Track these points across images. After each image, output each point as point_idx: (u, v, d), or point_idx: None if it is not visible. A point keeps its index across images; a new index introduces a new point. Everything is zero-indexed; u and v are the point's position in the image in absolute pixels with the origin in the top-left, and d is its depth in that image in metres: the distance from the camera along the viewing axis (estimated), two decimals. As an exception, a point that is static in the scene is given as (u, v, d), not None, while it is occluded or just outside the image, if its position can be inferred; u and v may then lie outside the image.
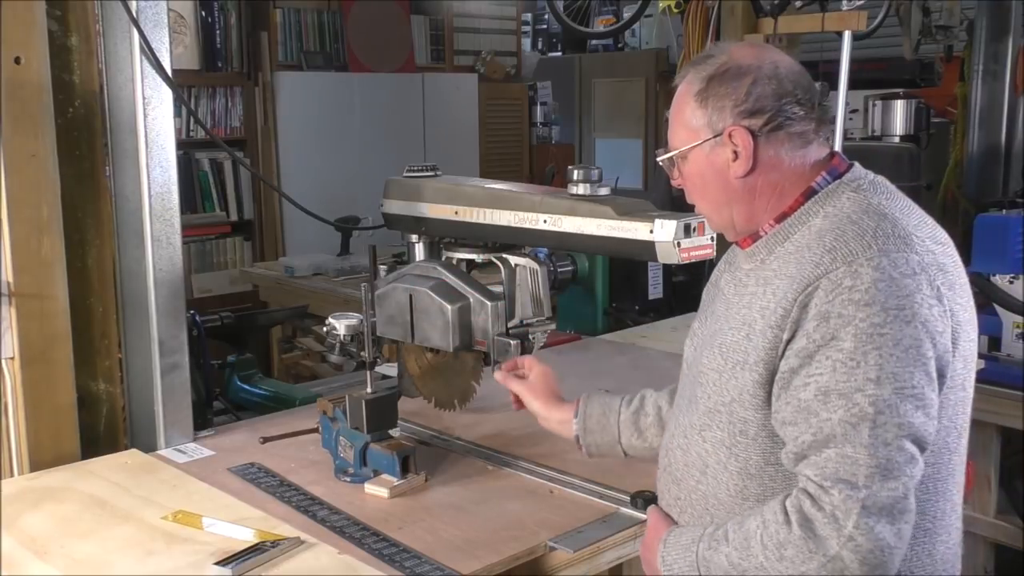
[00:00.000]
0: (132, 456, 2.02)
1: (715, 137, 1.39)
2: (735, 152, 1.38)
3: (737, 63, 1.38)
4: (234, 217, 5.68)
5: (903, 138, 5.64)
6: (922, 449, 1.25)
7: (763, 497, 1.36)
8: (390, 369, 2.40)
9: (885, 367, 1.23)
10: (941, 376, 1.28)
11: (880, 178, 1.43)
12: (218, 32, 5.48)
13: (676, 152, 1.44)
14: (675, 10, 4.08)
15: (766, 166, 1.39)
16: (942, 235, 1.38)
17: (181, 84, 4.33)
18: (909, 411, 1.23)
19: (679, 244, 1.74)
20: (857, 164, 1.44)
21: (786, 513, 1.26)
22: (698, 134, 1.41)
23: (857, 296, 1.25)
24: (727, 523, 1.35)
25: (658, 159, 1.49)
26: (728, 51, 1.41)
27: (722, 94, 1.38)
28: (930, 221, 1.39)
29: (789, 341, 1.30)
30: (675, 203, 1.57)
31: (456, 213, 2.09)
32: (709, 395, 1.41)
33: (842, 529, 1.21)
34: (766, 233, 1.42)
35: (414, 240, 2.22)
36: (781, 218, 1.40)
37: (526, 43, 7.89)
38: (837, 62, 3.60)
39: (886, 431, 1.22)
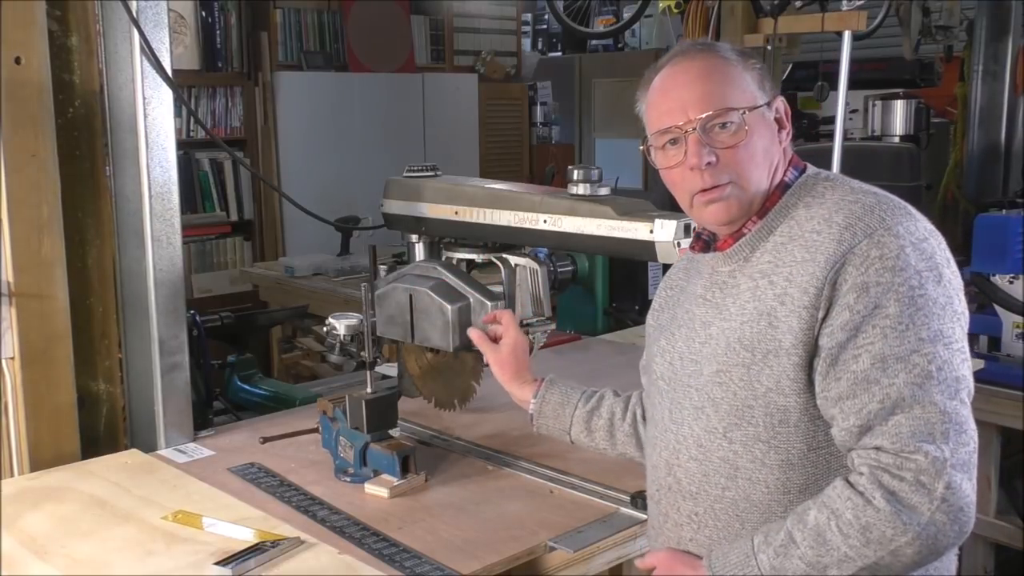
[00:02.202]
0: (132, 456, 2.02)
1: (767, 104, 1.42)
2: (777, 120, 1.43)
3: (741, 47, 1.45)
4: (234, 217, 5.68)
5: (903, 138, 5.63)
6: (969, 401, 1.29)
7: (805, 487, 1.35)
8: (390, 369, 2.40)
9: (932, 325, 1.26)
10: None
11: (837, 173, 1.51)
12: (218, 32, 5.48)
13: (750, 106, 1.39)
14: (675, 10, 4.09)
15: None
16: None
17: (181, 84, 4.33)
18: (959, 364, 1.28)
19: (679, 244, 1.74)
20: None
21: (861, 494, 1.24)
22: (756, 97, 1.41)
23: (889, 263, 1.28)
24: (782, 526, 1.31)
25: (739, 114, 1.38)
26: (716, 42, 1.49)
27: (759, 68, 1.44)
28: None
29: (824, 319, 1.31)
30: (675, 203, 1.56)
31: (456, 213, 2.09)
32: (735, 393, 1.38)
33: (932, 492, 1.21)
34: (749, 231, 1.43)
35: (414, 240, 2.22)
36: (762, 214, 1.42)
37: (526, 43, 7.88)
38: (837, 62, 3.59)
39: (948, 386, 1.25)
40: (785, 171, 1.45)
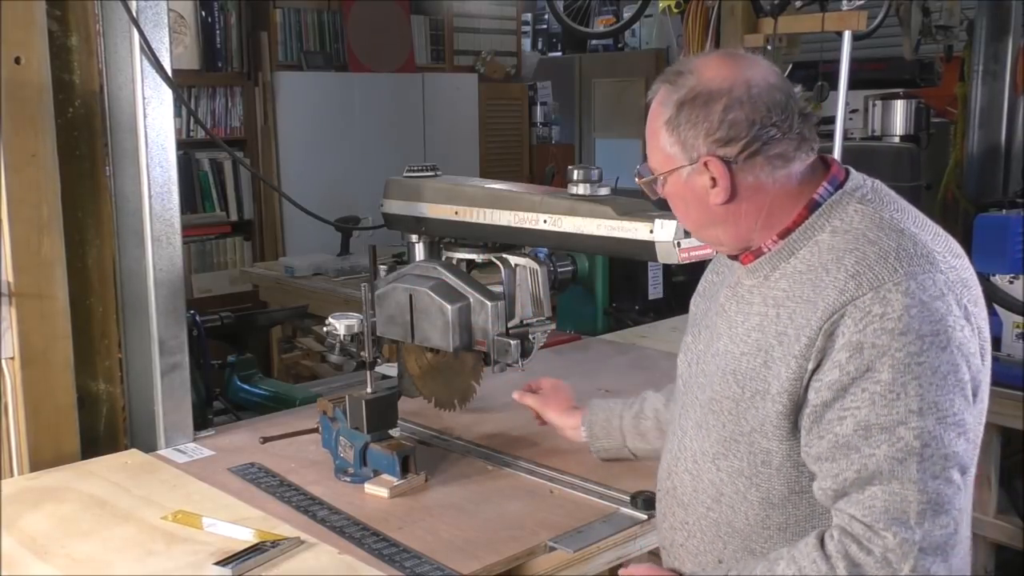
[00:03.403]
0: (132, 456, 2.02)
1: (690, 165, 1.33)
2: (712, 180, 1.33)
3: (707, 87, 1.30)
4: (234, 217, 5.68)
5: (903, 138, 5.63)
6: (963, 474, 1.23)
7: (786, 527, 1.34)
8: (390, 369, 2.40)
9: (926, 397, 1.19)
10: (974, 395, 1.26)
11: (879, 183, 1.39)
12: (218, 32, 5.48)
13: (652, 177, 1.40)
14: (675, 10, 4.08)
15: (747, 192, 1.33)
16: (954, 245, 1.34)
17: (181, 84, 4.33)
18: (952, 440, 1.20)
19: (679, 244, 1.74)
20: (853, 170, 1.39)
21: (827, 559, 1.22)
22: (673, 160, 1.35)
23: (890, 325, 1.20)
24: (753, 567, 1.31)
25: (638, 181, 1.43)
26: (697, 71, 1.32)
27: (693, 121, 1.31)
28: (939, 230, 1.35)
29: (815, 371, 1.26)
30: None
31: (456, 213, 2.09)
32: (724, 424, 1.37)
33: (897, 573, 1.18)
34: (769, 250, 1.37)
35: (414, 240, 2.22)
36: (785, 233, 1.35)
37: (526, 43, 7.89)
38: (837, 62, 3.60)
39: (933, 464, 1.19)
40: (816, 188, 1.35)
